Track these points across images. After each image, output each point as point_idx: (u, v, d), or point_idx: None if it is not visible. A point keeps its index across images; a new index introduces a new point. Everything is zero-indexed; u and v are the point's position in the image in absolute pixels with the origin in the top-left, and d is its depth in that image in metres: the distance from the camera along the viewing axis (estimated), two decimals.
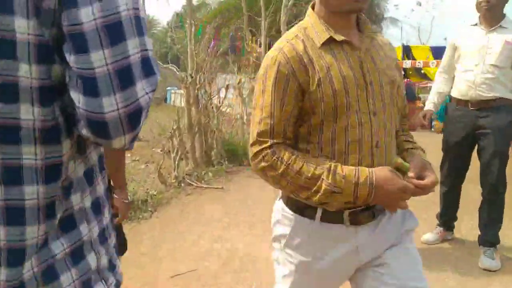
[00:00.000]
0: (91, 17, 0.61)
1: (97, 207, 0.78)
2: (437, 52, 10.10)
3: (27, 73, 0.64)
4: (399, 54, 11.00)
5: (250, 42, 11.51)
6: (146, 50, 0.67)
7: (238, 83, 7.74)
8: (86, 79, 0.62)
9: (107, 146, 0.68)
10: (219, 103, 6.67)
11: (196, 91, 5.85)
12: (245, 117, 7.61)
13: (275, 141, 1.22)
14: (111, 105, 0.63)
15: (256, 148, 1.23)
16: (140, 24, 0.66)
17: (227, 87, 7.08)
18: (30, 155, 0.66)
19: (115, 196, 1.62)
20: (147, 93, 0.66)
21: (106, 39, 0.62)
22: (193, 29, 6.21)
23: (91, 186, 0.77)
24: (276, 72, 1.20)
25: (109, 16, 0.62)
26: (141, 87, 0.65)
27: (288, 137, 1.24)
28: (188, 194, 4.81)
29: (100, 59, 0.61)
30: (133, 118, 0.65)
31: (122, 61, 0.63)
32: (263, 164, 1.22)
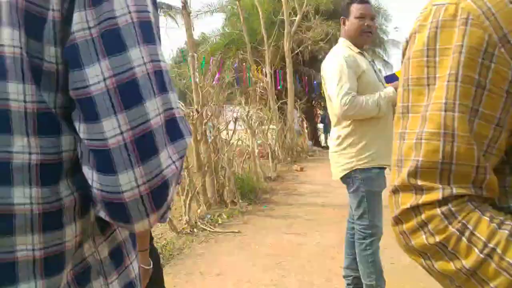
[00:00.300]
0: (99, 77, 0.52)
1: None
2: None
3: (23, 148, 0.55)
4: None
5: (255, 72, 11.33)
6: (172, 108, 0.57)
7: (247, 115, 7.37)
8: (98, 152, 0.53)
9: (129, 231, 0.64)
10: (228, 137, 6.27)
11: (203, 126, 5.46)
12: (256, 150, 7.20)
13: (455, 191, 0.59)
14: (129, 182, 0.53)
15: (409, 201, 0.61)
16: (162, 79, 0.56)
17: (235, 120, 6.69)
18: (27, 245, 0.56)
19: None
20: (173, 162, 0.56)
21: (119, 103, 0.53)
22: (196, 63, 5.87)
23: (119, 267, 0.66)
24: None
25: (121, 75, 0.53)
26: (166, 156, 0.55)
27: (485, 182, 0.60)
28: (201, 242, 4.33)
29: (113, 128, 0.52)
30: (158, 196, 0.55)
31: (141, 128, 0.53)
32: (425, 238, 0.59)
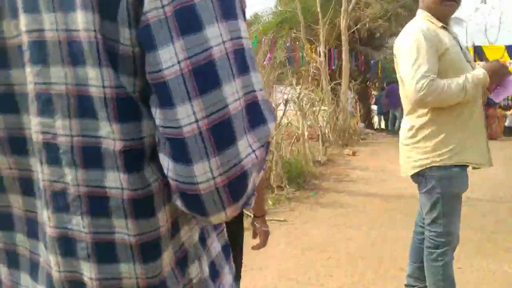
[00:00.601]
0: (173, 60, 0.49)
1: (215, 272, 0.66)
2: None
3: (108, 134, 0.54)
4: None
5: (309, 51, 10.91)
6: (254, 91, 0.53)
7: (298, 97, 7.06)
8: (173, 141, 0.51)
9: (205, 223, 0.63)
10: (278, 119, 6.02)
11: None
12: (306, 133, 6.91)
13: None
14: (204, 173, 0.50)
15: None
16: (243, 58, 0.52)
17: (286, 102, 6.41)
18: (122, 228, 0.57)
19: (256, 224, 1.66)
20: (253, 151, 0.53)
21: (194, 88, 0.49)
22: None
23: (205, 248, 0.65)
24: None
25: (197, 56, 0.49)
26: (245, 144, 0.52)
27: None
28: (245, 229, 4.16)
29: (188, 115, 0.50)
30: (235, 188, 0.52)
31: (218, 115, 0.50)
32: None
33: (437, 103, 1.96)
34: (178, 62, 0.49)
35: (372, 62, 13.82)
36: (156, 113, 0.52)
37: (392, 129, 13.25)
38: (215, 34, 0.50)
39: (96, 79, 0.53)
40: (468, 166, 2.07)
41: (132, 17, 0.51)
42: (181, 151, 0.50)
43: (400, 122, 12.80)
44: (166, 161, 0.53)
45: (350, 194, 5.53)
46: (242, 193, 0.53)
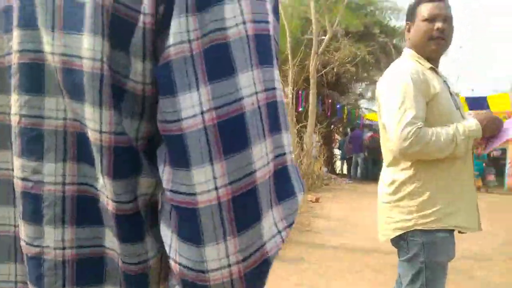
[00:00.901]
0: (196, 109, 0.40)
1: None
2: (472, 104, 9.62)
3: (102, 188, 0.45)
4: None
5: None
6: (284, 154, 0.44)
7: None
8: (183, 211, 0.41)
9: None
10: None
11: None
12: None
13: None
14: (218, 259, 0.40)
15: None
16: (276, 114, 0.43)
17: None
18: None
19: None
20: (279, 232, 0.43)
21: (218, 147, 0.40)
22: None
23: None
24: None
25: (225, 108, 0.40)
26: (270, 223, 0.42)
27: None
28: None
29: (206, 181, 0.40)
30: (253, 280, 0.42)
31: (243, 183, 0.40)
32: None
33: (424, 155, 1.69)
34: (202, 113, 0.39)
35: (338, 106, 13.84)
36: (165, 172, 0.42)
37: (355, 175, 13.58)
38: (248, 83, 0.41)
39: (93, 120, 0.43)
40: (454, 230, 1.77)
41: (148, 49, 0.42)
42: (192, 227, 0.40)
43: (362, 168, 13.26)
44: (168, 236, 0.42)
45: (313, 246, 5.09)
46: (260, 286, 0.43)
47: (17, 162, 0.46)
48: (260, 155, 0.41)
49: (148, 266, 0.46)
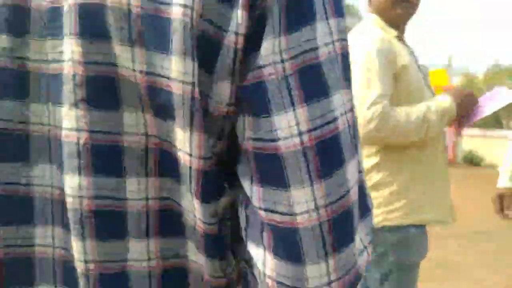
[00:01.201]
0: (293, 130, 0.40)
1: None
2: None
3: (191, 213, 0.46)
4: None
5: None
6: (361, 172, 0.47)
7: None
8: (281, 231, 0.41)
9: None
10: None
11: None
12: None
13: None
14: (319, 277, 0.42)
15: None
16: (356, 133, 0.46)
17: None
18: None
19: None
20: (365, 248, 0.45)
21: (317, 168, 0.41)
22: None
23: None
24: None
25: (323, 129, 0.41)
26: (358, 240, 0.44)
27: None
28: None
29: (306, 201, 0.41)
30: None
31: (341, 203, 0.42)
32: None
33: (392, 139, 1.49)
34: (299, 134, 0.40)
35: None
36: (254, 191, 0.42)
37: None
38: (340, 102, 0.42)
39: (182, 142, 0.43)
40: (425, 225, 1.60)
41: (236, 69, 0.41)
42: (291, 246, 0.41)
43: None
44: (261, 255, 0.43)
45: None
46: None
47: (83, 181, 0.45)
48: (352, 172, 0.42)
49: (231, 278, 0.48)
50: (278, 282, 0.42)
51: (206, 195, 0.44)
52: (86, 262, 0.45)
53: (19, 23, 0.45)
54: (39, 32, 0.45)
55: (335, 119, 0.41)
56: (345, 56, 0.43)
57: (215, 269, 0.46)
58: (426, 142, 1.55)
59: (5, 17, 0.45)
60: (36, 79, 0.46)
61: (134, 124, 0.44)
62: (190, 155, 0.42)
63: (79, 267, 0.46)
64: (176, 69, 0.40)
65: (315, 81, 0.40)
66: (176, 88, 0.41)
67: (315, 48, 0.40)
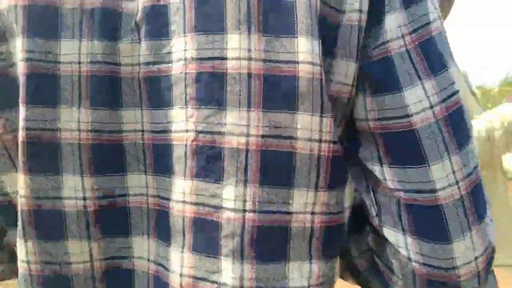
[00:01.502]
0: (424, 104, 0.40)
1: None
2: None
3: (305, 207, 0.41)
4: None
5: None
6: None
7: None
8: (424, 210, 0.40)
9: None
10: None
11: None
12: None
13: None
14: (465, 254, 0.41)
15: None
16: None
17: None
18: None
19: None
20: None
21: (451, 139, 0.40)
22: None
23: None
24: None
25: (450, 99, 0.41)
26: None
27: None
28: None
29: (446, 176, 0.40)
30: (489, 273, 0.44)
31: (474, 174, 0.42)
32: None
33: None
34: (431, 107, 0.40)
35: None
36: (385, 172, 0.41)
37: None
38: (456, 75, 0.42)
39: (309, 130, 0.40)
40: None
41: (359, 47, 0.41)
42: (436, 224, 0.41)
43: None
44: (401, 238, 0.42)
45: None
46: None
47: (189, 185, 0.41)
48: (474, 148, 0.44)
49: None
50: (425, 264, 0.41)
51: (333, 181, 0.42)
52: (187, 276, 0.42)
53: (110, 28, 0.42)
54: (131, 35, 0.42)
55: (457, 92, 0.41)
56: (443, 33, 0.43)
57: (323, 274, 0.43)
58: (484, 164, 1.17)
59: (98, 20, 0.42)
60: (130, 84, 0.43)
61: (236, 123, 0.40)
62: (320, 141, 0.41)
63: (172, 280, 0.43)
64: (304, 51, 0.39)
65: (436, 55, 0.41)
66: (305, 72, 0.39)
67: (429, 22, 0.41)
